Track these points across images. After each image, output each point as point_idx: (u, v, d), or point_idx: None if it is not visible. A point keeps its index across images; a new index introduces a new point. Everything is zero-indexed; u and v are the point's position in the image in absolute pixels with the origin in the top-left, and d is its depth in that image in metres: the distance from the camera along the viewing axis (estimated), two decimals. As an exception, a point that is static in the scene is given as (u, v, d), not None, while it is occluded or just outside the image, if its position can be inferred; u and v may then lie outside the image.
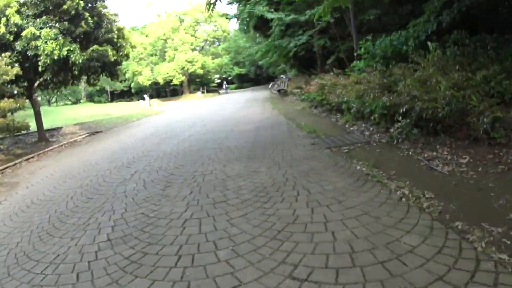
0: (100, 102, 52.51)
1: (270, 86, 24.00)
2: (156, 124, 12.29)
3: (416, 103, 4.47)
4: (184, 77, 38.83)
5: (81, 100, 47.61)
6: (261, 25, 14.37)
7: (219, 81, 60.12)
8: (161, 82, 38.86)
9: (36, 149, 9.53)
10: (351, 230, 2.55)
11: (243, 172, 4.53)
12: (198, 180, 4.46)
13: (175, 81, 38.21)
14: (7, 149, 9.59)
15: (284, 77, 22.76)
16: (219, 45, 43.80)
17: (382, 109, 5.30)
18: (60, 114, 26.44)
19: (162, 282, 2.25)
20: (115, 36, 11.09)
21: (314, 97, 9.68)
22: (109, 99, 53.22)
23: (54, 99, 53.13)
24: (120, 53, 11.09)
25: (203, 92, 40.59)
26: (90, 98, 55.82)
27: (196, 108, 18.14)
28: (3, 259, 3.04)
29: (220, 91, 43.07)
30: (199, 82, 48.37)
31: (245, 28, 15.58)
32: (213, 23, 40.56)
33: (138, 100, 48.87)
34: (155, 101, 30.41)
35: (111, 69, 11.25)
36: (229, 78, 61.66)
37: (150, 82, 40.22)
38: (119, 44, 11.15)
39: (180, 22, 40.14)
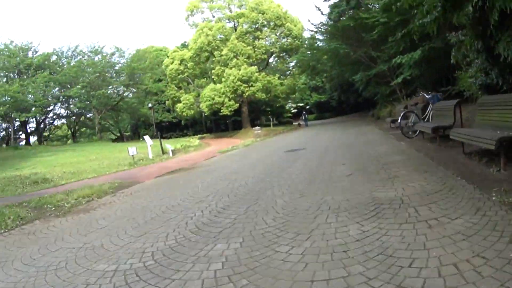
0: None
1: (400, 119, 9.60)
2: None
3: None
4: (237, 104, 26.37)
5: (94, 137, 37.73)
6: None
7: (295, 110, 48.27)
8: (206, 111, 27.13)
9: None
10: None
11: None
12: None
13: (225, 110, 25.78)
14: None
15: (427, 96, 8.91)
16: (289, 57, 30.25)
17: None
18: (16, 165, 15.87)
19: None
20: None
21: None
22: (154, 134, 43.23)
23: (95, 131, 45.40)
24: None
25: (266, 126, 27.64)
26: (135, 130, 47.06)
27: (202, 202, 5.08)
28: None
29: (300, 123, 31.75)
30: (269, 112, 35.83)
31: None
32: (279, 27, 28.08)
33: (192, 135, 37.64)
34: (176, 144, 18.27)
35: None
36: (307, 107, 49.38)
37: (192, 112, 28.76)
38: None
39: (234, 29, 28.51)
